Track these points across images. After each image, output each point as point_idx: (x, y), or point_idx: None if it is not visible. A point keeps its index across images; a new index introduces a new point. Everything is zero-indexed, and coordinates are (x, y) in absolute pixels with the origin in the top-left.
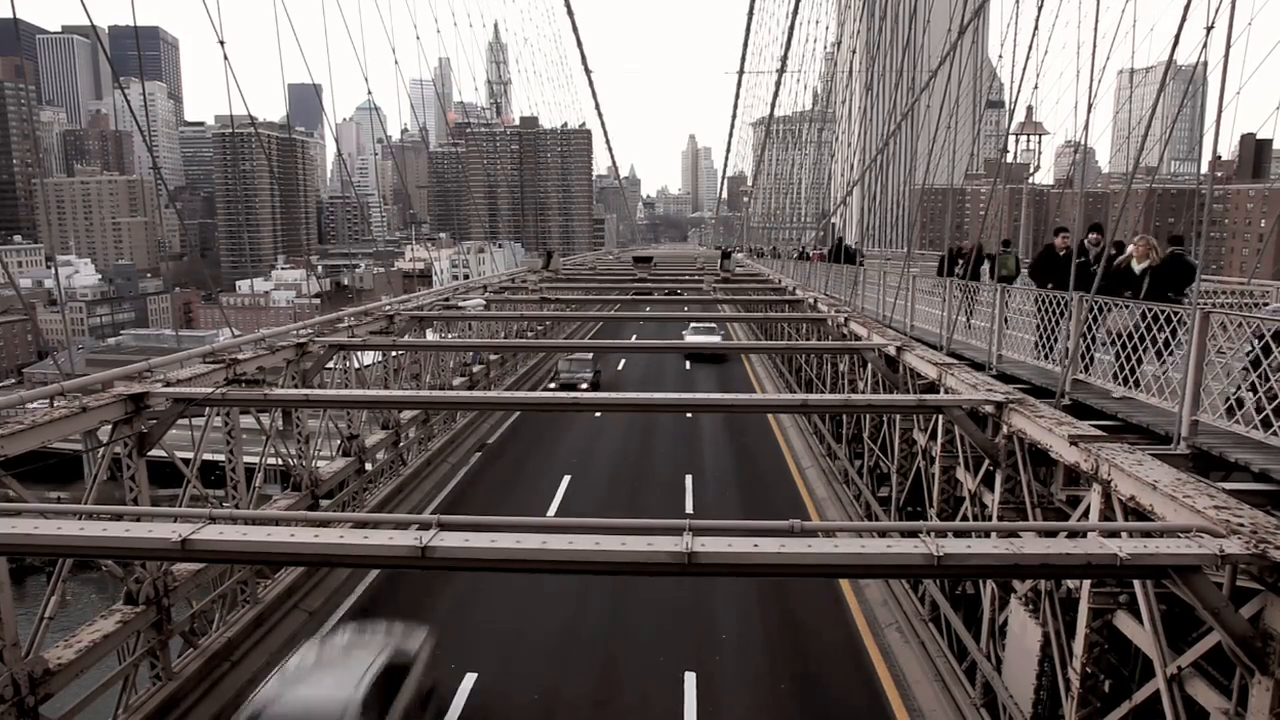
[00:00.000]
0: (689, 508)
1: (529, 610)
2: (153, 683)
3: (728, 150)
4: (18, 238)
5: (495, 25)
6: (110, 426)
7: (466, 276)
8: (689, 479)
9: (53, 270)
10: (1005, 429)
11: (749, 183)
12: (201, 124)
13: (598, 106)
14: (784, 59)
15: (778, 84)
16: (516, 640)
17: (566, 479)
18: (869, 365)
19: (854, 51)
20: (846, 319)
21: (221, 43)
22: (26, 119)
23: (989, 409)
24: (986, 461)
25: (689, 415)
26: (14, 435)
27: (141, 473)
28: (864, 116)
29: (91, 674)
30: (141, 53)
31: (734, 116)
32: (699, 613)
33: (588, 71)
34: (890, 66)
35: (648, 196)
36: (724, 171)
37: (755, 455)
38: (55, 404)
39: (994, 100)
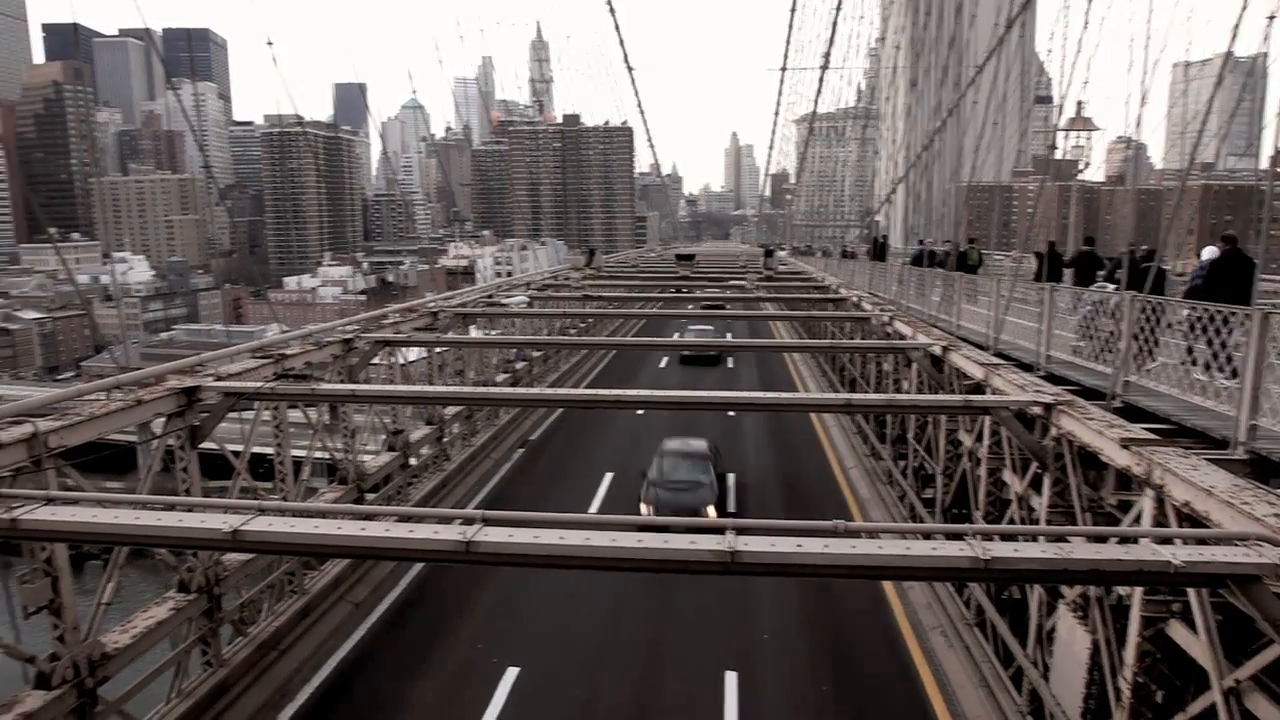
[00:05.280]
0: (731, 506)
1: (571, 606)
2: (204, 669)
3: (770, 147)
4: (75, 235)
5: (538, 24)
6: (164, 419)
7: (509, 274)
8: (731, 477)
9: (109, 267)
10: (1054, 431)
11: (791, 180)
12: (250, 123)
13: (639, 104)
14: (827, 55)
15: (821, 80)
16: (558, 636)
17: (609, 476)
18: (914, 365)
19: (898, 47)
20: (891, 318)
21: (270, 43)
22: (84, 120)
23: (1037, 410)
24: (1034, 464)
25: (731, 414)
26: (73, 426)
27: (193, 464)
28: (908, 113)
29: (146, 658)
30: (193, 54)
31: (776, 113)
32: (740, 612)
33: (629, 69)
34: (935, 62)
35: (690, 194)
36: (766, 169)
37: (798, 454)
38: (111, 397)
39: (1042, 95)
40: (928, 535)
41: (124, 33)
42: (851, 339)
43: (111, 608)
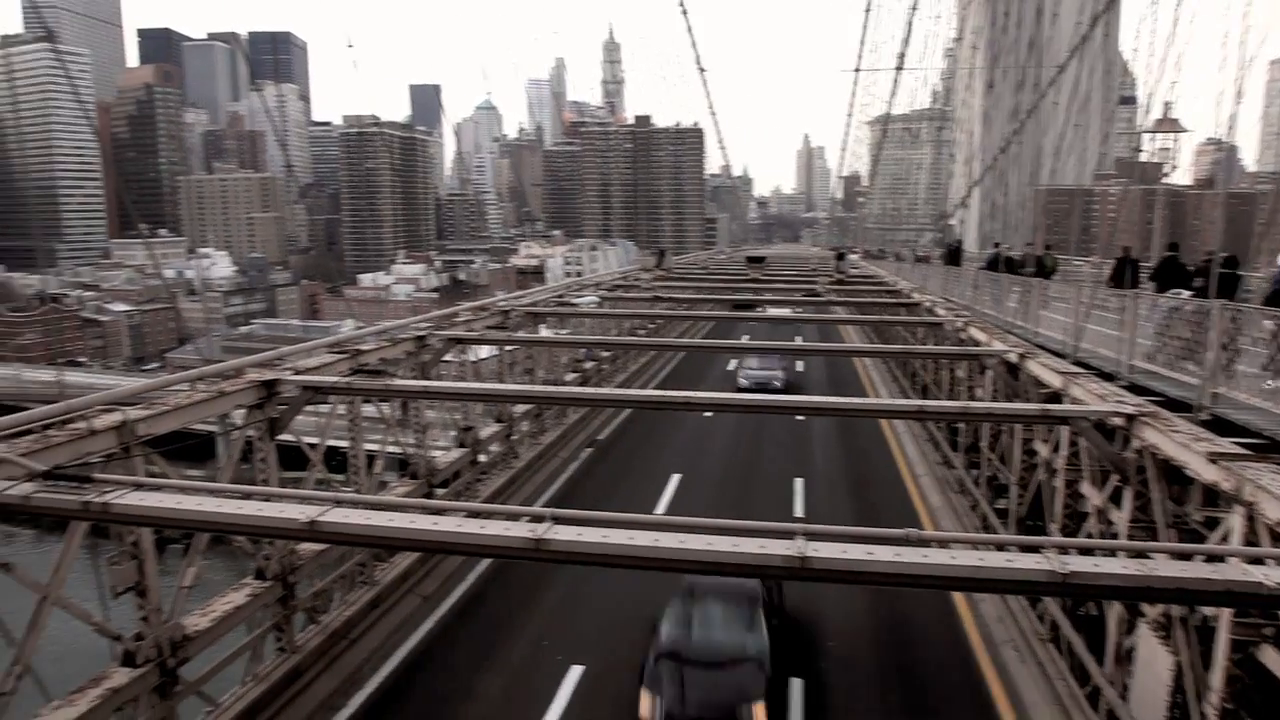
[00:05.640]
0: (799, 511)
1: (636, 606)
2: (278, 654)
3: (842, 149)
4: (163, 231)
5: (610, 25)
6: (244, 411)
7: (579, 274)
8: (799, 482)
9: (193, 262)
10: (1136, 443)
11: (864, 182)
12: (328, 124)
13: (710, 105)
14: (902, 56)
15: (895, 82)
16: (623, 635)
17: (676, 478)
18: (988, 372)
19: (975, 48)
20: (966, 324)
21: (350, 45)
22: (173, 121)
23: (1118, 421)
24: (1114, 477)
25: (800, 418)
26: (160, 416)
27: (271, 455)
28: (985, 114)
29: (223, 642)
30: (276, 57)
31: (849, 115)
32: (806, 617)
33: (701, 70)
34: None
35: (760, 196)
36: (838, 171)
37: (867, 460)
38: (195, 388)
39: (1126, 96)
40: (1001, 547)
41: (212, 36)
42: (924, 345)
43: (191, 592)
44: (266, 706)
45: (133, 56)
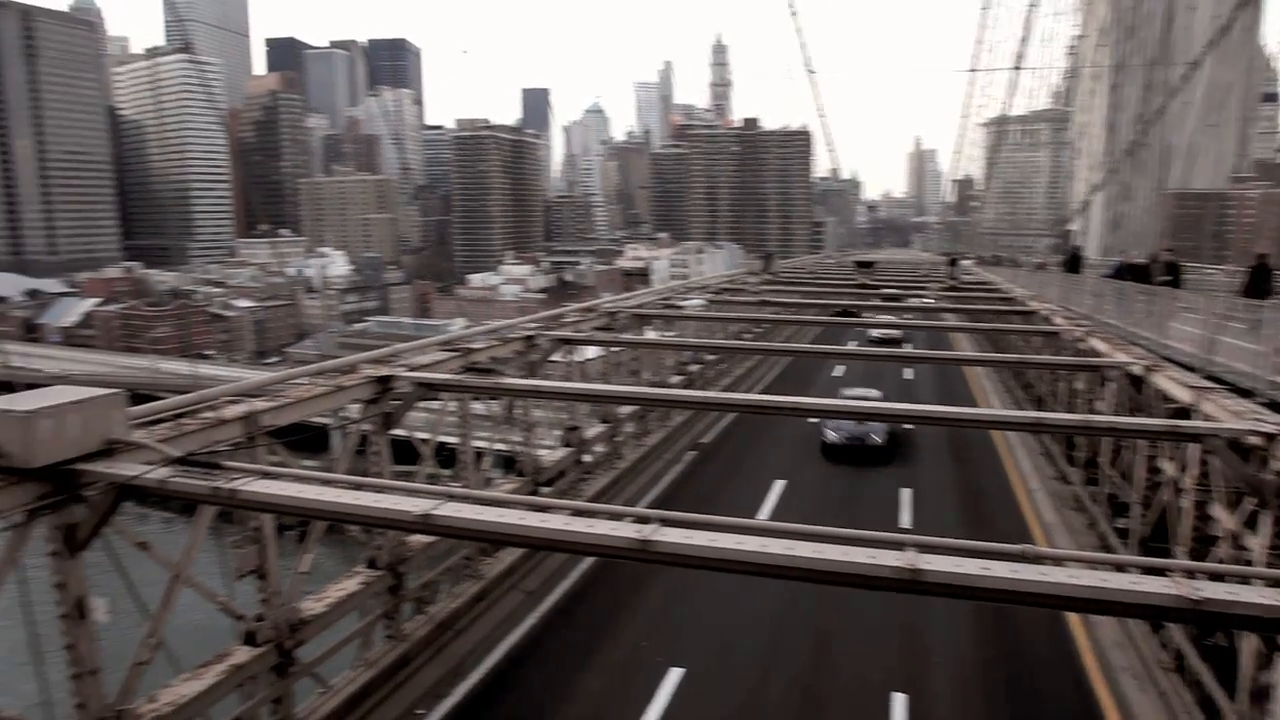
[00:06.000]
0: (905, 522)
1: (736, 610)
2: (386, 641)
3: (955, 152)
4: (284, 231)
5: (719, 29)
6: (360, 405)
7: (685, 276)
8: (906, 492)
9: (312, 261)
10: (1276, 464)
11: (977, 186)
12: (440, 127)
13: (819, 107)
14: (1020, 55)
15: (1012, 82)
16: (723, 639)
17: (780, 484)
18: (1110, 384)
19: (1099, 46)
20: (1086, 333)
21: (464, 52)
22: (296, 126)
23: (1256, 440)
24: (1250, 499)
25: (908, 427)
26: (282, 408)
27: (385, 449)
28: (1109, 115)
29: (336, 627)
30: (394, 63)
31: (963, 117)
32: (911, 631)
33: (810, 72)
34: (1143, 59)
35: (869, 200)
36: (950, 174)
37: (978, 473)
38: (315, 382)
39: (1269, 93)
40: (1122, 568)
41: (333, 44)
42: (1040, 354)
43: (305, 577)
44: (375, 691)
45: (260, 65)
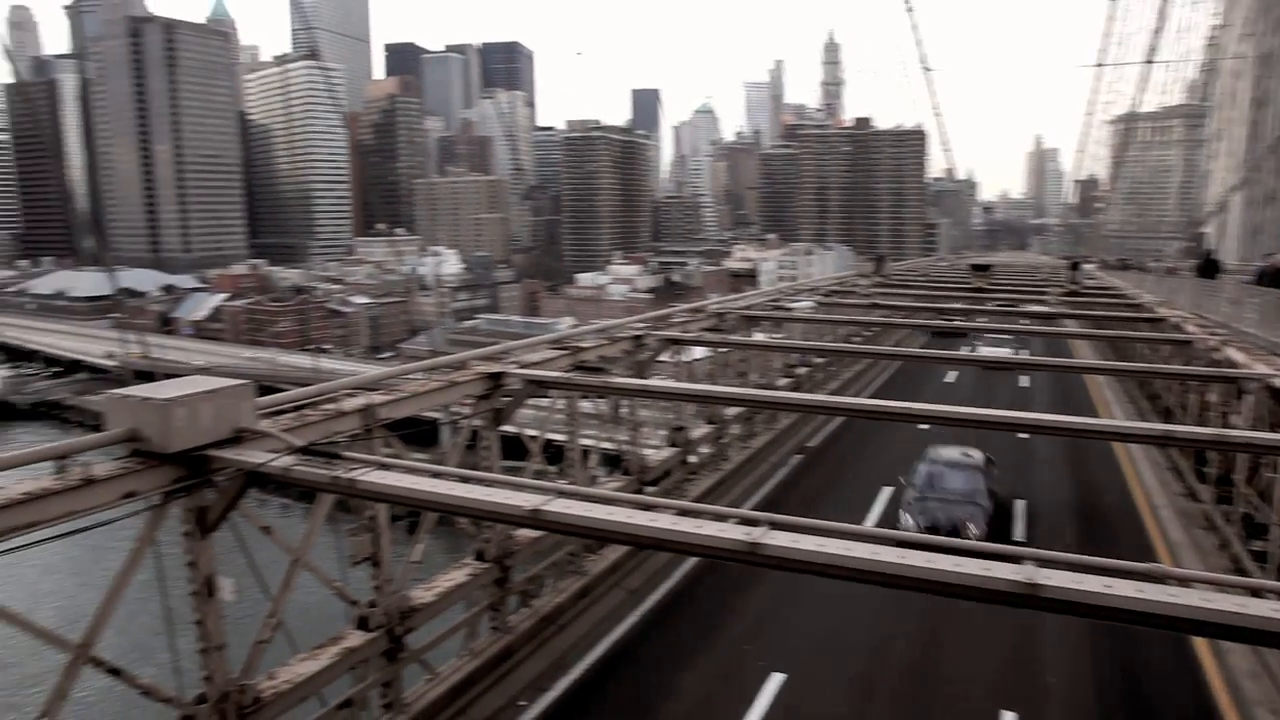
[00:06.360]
0: (1019, 535)
1: (841, 617)
2: (492, 633)
3: (1079, 151)
4: (400, 230)
5: (831, 27)
6: (471, 400)
7: (793, 278)
8: (1020, 504)
9: (426, 259)
10: None
11: (1103, 186)
12: (551, 128)
13: (935, 105)
14: (1152, 48)
15: (1143, 77)
16: (826, 646)
17: (887, 491)
18: (1248, 397)
19: (1245, 36)
20: (1221, 342)
21: (579, 54)
22: (412, 128)
23: None
24: None
25: (1024, 436)
26: (398, 401)
27: (495, 444)
28: (1252, 111)
29: (443, 616)
30: (508, 66)
31: (1088, 114)
32: (1023, 647)
33: (926, 70)
34: None
35: (985, 201)
36: (1073, 174)
37: (1098, 486)
38: (429, 377)
39: None
40: (1258, 592)
41: (449, 48)
42: (1170, 364)
43: (416, 567)
44: (479, 680)
45: (379, 69)
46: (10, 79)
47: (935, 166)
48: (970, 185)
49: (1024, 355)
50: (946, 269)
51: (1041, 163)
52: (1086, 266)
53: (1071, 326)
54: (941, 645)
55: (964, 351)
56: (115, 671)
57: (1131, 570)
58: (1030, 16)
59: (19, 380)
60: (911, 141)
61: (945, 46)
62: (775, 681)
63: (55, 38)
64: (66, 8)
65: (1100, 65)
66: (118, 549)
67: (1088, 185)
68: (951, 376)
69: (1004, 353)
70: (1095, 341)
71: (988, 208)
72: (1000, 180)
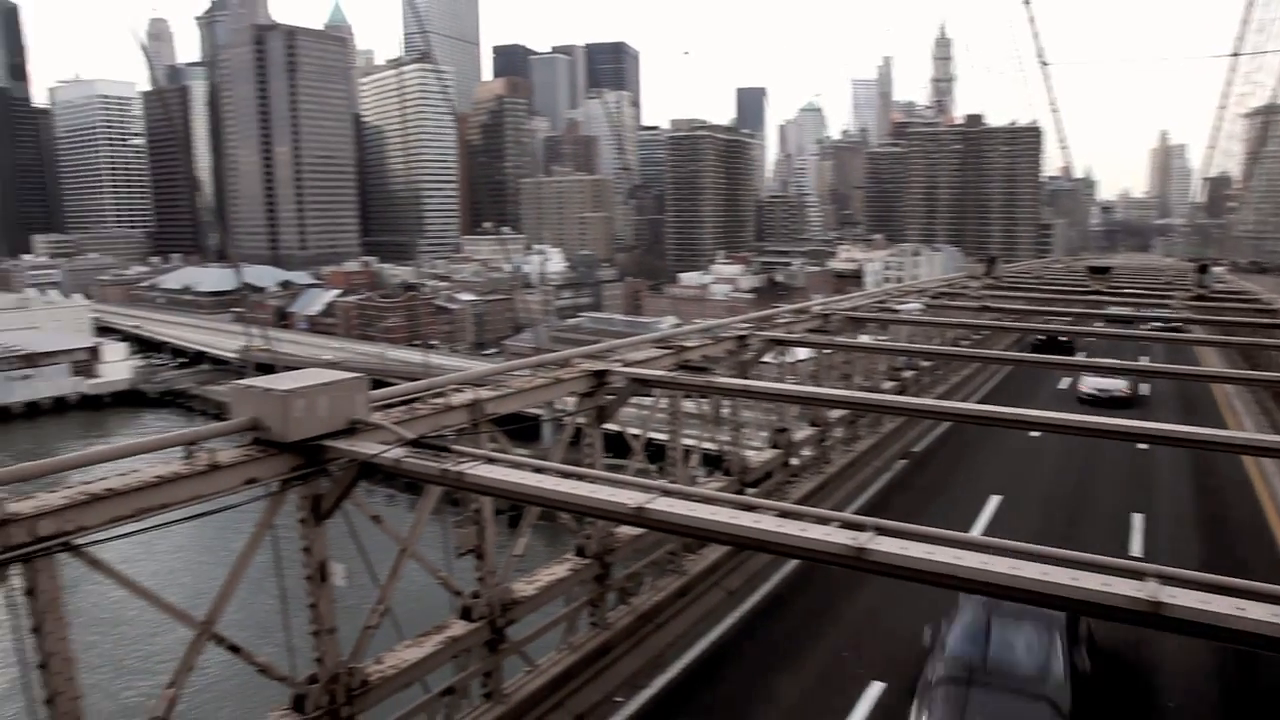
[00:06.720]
0: (1136, 550)
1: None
2: (590, 628)
3: (1210, 147)
4: (506, 229)
5: (943, 21)
6: (576, 398)
7: (899, 279)
8: (1138, 518)
9: (531, 258)
10: None
11: (1235, 184)
12: (656, 128)
13: (1052, 101)
14: None
15: None
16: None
17: (995, 499)
18: None
19: None
20: None
21: (686, 53)
22: (519, 128)
23: None
24: None
25: (1143, 446)
26: (505, 397)
27: (598, 442)
28: None
29: (544, 610)
30: (616, 66)
31: (1220, 107)
32: (1144, 670)
33: (1043, 64)
34: None
35: (1104, 200)
36: (1202, 171)
37: (1224, 501)
38: (535, 373)
39: None
40: None
41: (556, 49)
42: None
43: (518, 560)
44: (577, 675)
45: (487, 71)
46: (148, 87)
47: (1051, 165)
48: (1088, 184)
49: (1144, 362)
50: (1062, 271)
51: (1167, 159)
52: (1216, 269)
53: (1198, 333)
54: None
55: (1081, 357)
56: (235, 649)
57: (1265, 592)
58: (1157, 4)
59: (149, 370)
60: (1026, 139)
61: (1064, 38)
62: (875, 690)
63: (188, 47)
64: (198, 18)
65: (1236, 55)
66: (240, 532)
67: (1219, 183)
68: (1065, 384)
69: (1118, 384)
70: (1224, 349)
71: (1106, 207)
72: (1121, 178)
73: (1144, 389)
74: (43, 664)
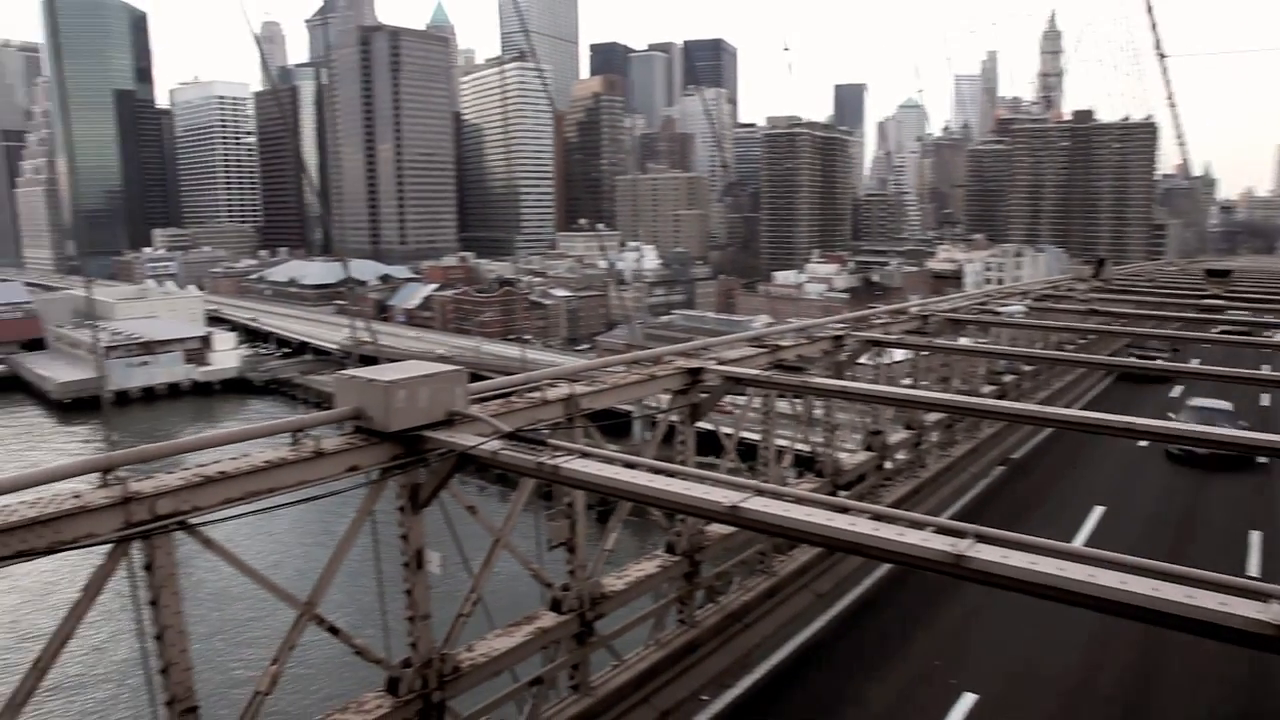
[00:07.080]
0: (1253, 570)
1: (1041, 642)
2: (678, 625)
3: None
4: (601, 226)
5: (1052, 12)
6: (669, 395)
7: (999, 280)
8: (1255, 535)
9: (625, 255)
10: None
11: None
12: (752, 125)
13: (1170, 96)
14: None
15: None
16: (1023, 672)
17: (1098, 510)
18: None
19: None
20: None
21: (786, 49)
22: (615, 126)
23: None
24: None
25: (1262, 460)
26: (600, 392)
27: (691, 439)
28: None
29: (632, 605)
30: (715, 63)
31: None
32: (1253, 692)
33: (1161, 56)
34: None
35: (1225, 200)
36: None
37: None
38: (630, 370)
39: None
40: None
41: (652, 47)
42: None
43: (608, 555)
44: (664, 671)
45: (584, 69)
46: (261, 87)
47: (1167, 162)
48: (1207, 183)
49: (1266, 370)
50: (1177, 274)
51: None
52: None
53: None
54: (1153, 680)
55: (1195, 364)
56: (334, 630)
57: None
58: None
59: (255, 359)
60: (1139, 135)
61: (1184, 29)
62: (966, 702)
63: (298, 48)
64: (308, 20)
65: None
66: (341, 517)
67: None
68: (1176, 391)
69: (1223, 406)
70: None
71: (1227, 207)
72: (1243, 177)
73: (1264, 400)
74: (158, 635)
